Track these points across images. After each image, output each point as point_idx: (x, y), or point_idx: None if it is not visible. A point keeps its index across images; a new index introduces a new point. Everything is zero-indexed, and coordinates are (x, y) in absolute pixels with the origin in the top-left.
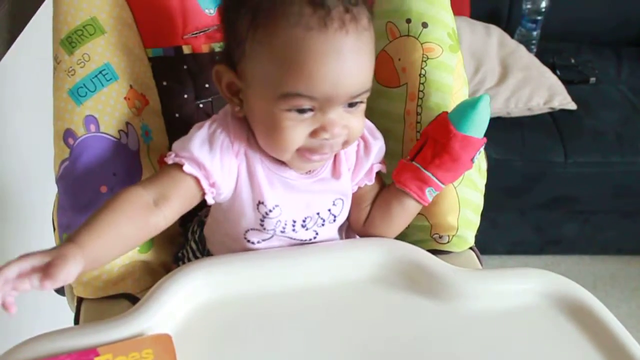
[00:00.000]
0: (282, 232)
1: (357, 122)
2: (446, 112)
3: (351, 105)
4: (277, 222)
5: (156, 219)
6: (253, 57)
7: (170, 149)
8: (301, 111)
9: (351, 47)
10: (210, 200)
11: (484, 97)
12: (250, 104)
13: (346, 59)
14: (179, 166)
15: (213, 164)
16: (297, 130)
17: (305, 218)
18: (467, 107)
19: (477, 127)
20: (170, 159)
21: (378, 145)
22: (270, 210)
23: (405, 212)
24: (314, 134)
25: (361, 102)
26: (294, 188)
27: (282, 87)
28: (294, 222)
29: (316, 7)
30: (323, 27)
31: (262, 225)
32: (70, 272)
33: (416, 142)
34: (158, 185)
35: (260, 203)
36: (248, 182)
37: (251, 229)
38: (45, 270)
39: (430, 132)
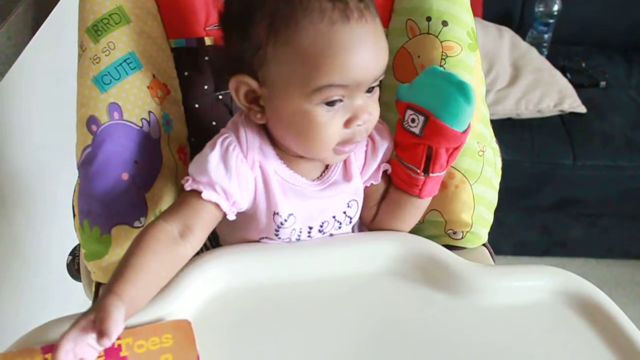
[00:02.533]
0: (297, 239)
1: (375, 107)
2: (439, 121)
3: (369, 90)
4: (292, 231)
5: (184, 250)
6: (277, 60)
7: (189, 139)
8: (331, 103)
9: (372, 34)
10: (232, 217)
11: (468, 86)
12: (277, 108)
13: (369, 45)
14: (197, 193)
15: (231, 184)
16: (332, 124)
17: (323, 223)
18: (462, 106)
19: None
20: (188, 185)
21: (385, 145)
22: (285, 220)
23: (420, 209)
24: (347, 123)
25: (378, 86)
26: (307, 196)
27: (315, 82)
28: (310, 228)
29: (334, 2)
30: (345, 19)
31: (276, 234)
32: (117, 321)
33: (418, 154)
34: (180, 216)
35: (275, 213)
36: (264, 192)
37: (266, 237)
38: (98, 329)
39: (435, 144)
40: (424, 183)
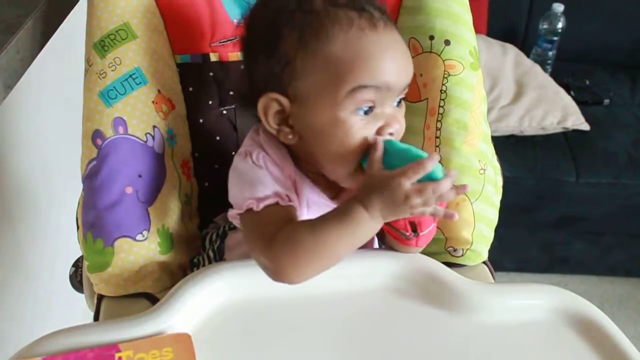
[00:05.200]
0: None
1: (403, 120)
2: None
3: (398, 102)
4: None
5: None
6: (307, 72)
7: (193, 154)
8: (366, 109)
9: (399, 42)
10: None
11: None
12: (309, 122)
13: (398, 52)
14: (274, 206)
15: (289, 191)
16: (365, 131)
17: None
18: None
19: None
20: (258, 206)
21: None
22: None
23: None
24: (380, 130)
25: (404, 98)
26: (324, 211)
27: (346, 84)
28: None
29: (360, 12)
30: (373, 27)
31: None
32: None
33: (400, 223)
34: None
35: None
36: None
37: None
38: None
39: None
40: (417, 239)
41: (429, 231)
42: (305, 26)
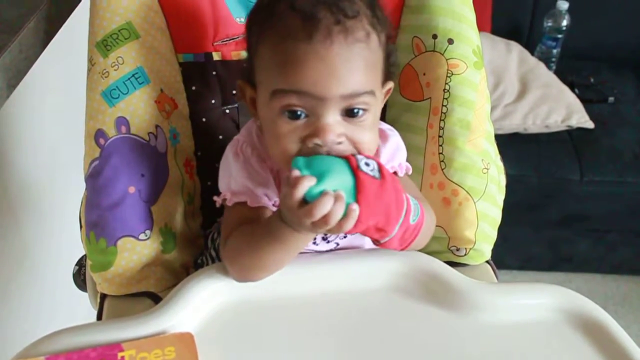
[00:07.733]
0: None
1: (362, 135)
2: None
3: (349, 113)
4: None
5: None
6: (257, 68)
7: (196, 152)
8: (293, 114)
9: (335, 54)
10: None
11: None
12: (259, 112)
13: (329, 63)
14: (244, 205)
15: (268, 187)
16: (290, 136)
17: None
18: None
19: None
20: (229, 201)
21: (391, 148)
22: None
23: (422, 238)
24: (304, 139)
25: (363, 109)
26: None
27: (271, 86)
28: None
29: (305, 20)
30: (308, 38)
31: None
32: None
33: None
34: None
35: None
36: (275, 195)
37: None
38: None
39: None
40: (387, 244)
41: (399, 240)
42: (263, 27)
